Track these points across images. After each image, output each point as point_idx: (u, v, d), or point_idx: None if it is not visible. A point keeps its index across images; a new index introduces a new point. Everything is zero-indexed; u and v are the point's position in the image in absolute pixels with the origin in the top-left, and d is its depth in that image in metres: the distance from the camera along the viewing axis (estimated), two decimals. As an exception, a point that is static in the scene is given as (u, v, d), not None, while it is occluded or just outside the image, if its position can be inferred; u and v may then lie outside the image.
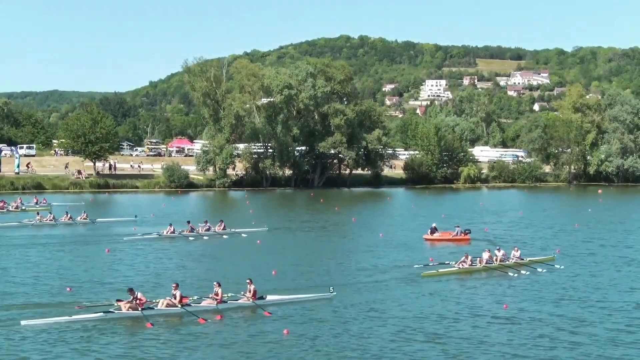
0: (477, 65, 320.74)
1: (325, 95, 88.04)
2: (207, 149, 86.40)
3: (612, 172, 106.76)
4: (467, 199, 76.55)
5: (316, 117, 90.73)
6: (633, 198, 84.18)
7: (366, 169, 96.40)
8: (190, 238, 38.17)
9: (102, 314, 20.38)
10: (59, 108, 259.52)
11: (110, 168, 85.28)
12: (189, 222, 39.75)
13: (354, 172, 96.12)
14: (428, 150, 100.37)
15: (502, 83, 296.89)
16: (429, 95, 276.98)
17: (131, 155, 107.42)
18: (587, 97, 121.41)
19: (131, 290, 21.19)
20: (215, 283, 22.35)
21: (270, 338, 19.08)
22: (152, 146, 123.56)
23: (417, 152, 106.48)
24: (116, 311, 20.60)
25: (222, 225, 40.14)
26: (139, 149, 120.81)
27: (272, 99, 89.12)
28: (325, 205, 62.75)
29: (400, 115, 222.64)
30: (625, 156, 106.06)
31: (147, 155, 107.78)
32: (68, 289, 24.52)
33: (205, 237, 38.38)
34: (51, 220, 44.14)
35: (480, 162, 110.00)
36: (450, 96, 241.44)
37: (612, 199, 79.35)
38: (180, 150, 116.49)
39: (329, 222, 48.92)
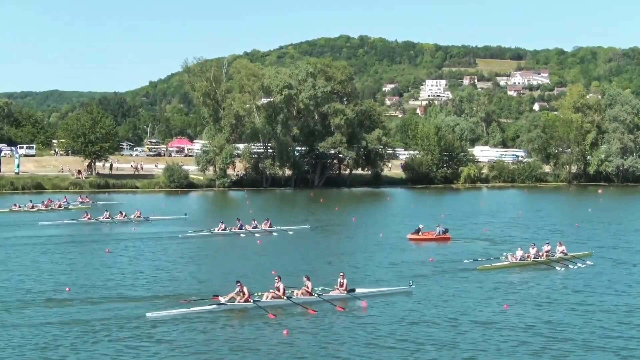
0: (477, 65, 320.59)
1: (325, 95, 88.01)
2: (207, 149, 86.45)
3: (612, 172, 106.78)
4: (467, 199, 76.56)
5: (316, 117, 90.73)
6: (633, 198, 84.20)
7: (366, 169, 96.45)
8: (242, 235, 39.70)
9: (215, 306, 21.51)
10: (59, 108, 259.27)
11: (137, 168, 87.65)
12: (238, 219, 41.32)
13: (354, 172, 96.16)
14: (428, 150, 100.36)
15: (502, 83, 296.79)
16: (429, 95, 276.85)
17: (131, 155, 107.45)
18: (587, 97, 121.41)
19: (239, 283, 22.18)
20: (305, 277, 23.35)
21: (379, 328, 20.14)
22: (152, 146, 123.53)
23: (417, 152, 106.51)
24: (228, 303, 21.69)
25: (269, 223, 41.70)
26: (139, 149, 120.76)
27: (272, 99, 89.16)
28: (326, 205, 62.75)
29: (400, 115, 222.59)
30: (625, 156, 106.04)
31: (147, 155, 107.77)
32: (67, 289, 24.47)
33: (257, 234, 39.99)
34: (107, 218, 45.68)
35: (480, 162, 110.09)
36: (450, 96, 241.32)
37: (613, 199, 79.34)
38: (180, 150, 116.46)
39: (331, 222, 48.85)
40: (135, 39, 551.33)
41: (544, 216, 55.30)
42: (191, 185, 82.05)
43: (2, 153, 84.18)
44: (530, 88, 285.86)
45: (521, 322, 20.91)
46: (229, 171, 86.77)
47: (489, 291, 25.36)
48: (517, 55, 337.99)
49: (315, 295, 22.89)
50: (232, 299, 21.88)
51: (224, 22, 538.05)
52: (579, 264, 30.74)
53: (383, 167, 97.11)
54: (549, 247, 31.97)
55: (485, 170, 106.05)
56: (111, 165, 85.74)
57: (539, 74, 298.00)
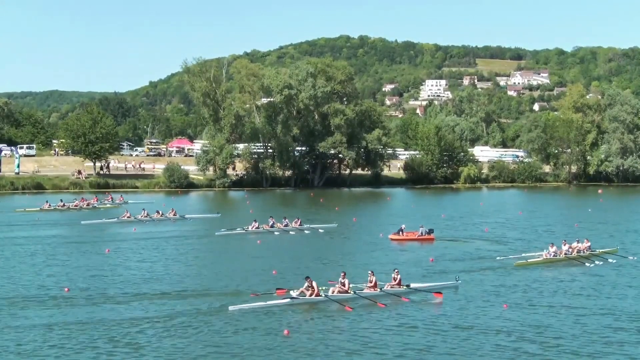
0: (477, 65, 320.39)
1: (325, 95, 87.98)
2: (207, 149, 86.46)
3: (612, 172, 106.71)
4: (467, 199, 76.57)
5: (316, 117, 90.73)
6: (633, 198, 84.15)
7: (366, 169, 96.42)
8: (276, 233, 41.10)
9: (289, 300, 22.65)
10: (59, 108, 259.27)
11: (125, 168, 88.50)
12: (271, 217, 42.79)
13: (354, 172, 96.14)
14: (428, 150, 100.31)
15: (502, 83, 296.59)
16: (429, 95, 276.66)
17: (131, 155, 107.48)
18: (587, 97, 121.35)
19: (308, 279, 23.30)
20: (370, 272, 24.72)
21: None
22: (152, 146, 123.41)
23: (417, 152, 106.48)
24: (300, 297, 22.85)
25: (299, 222, 43.17)
26: (139, 149, 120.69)
27: (272, 99, 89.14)
28: (326, 206, 62.74)
29: (400, 115, 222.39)
30: (625, 156, 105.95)
31: (147, 155, 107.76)
32: (66, 289, 24.61)
33: (292, 232, 41.44)
34: (145, 216, 47.41)
35: (480, 162, 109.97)
36: (450, 96, 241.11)
37: (613, 199, 79.34)
38: (180, 150, 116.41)
39: (331, 222, 48.73)
40: (135, 39, 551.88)
41: (543, 216, 55.25)
42: (191, 186, 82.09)
43: (2, 153, 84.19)
44: (530, 88, 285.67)
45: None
46: (229, 171, 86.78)
47: (544, 287, 26.40)
48: (517, 55, 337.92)
49: (379, 290, 24.07)
50: (302, 294, 22.99)
51: (224, 22, 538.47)
52: (610, 260, 32.08)
53: (383, 167, 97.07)
54: (579, 244, 33.18)
55: (485, 171, 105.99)
56: (107, 165, 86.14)
57: (539, 74, 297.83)
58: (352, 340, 19.01)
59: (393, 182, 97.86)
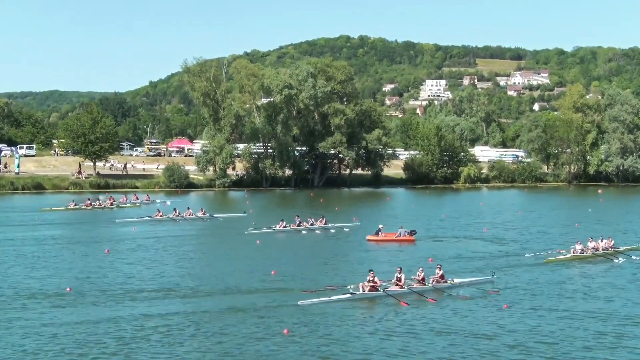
0: (477, 65, 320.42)
1: (325, 95, 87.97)
2: (207, 149, 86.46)
3: (612, 172, 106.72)
4: (467, 199, 76.54)
5: (316, 117, 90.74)
6: (633, 198, 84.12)
7: (366, 169, 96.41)
8: (304, 232, 41.79)
9: (349, 295, 23.41)
10: (59, 108, 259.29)
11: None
12: (298, 216, 43.73)
13: (354, 172, 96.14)
14: (428, 150, 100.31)
15: (502, 83, 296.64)
16: (429, 95, 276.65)
17: (131, 155, 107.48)
18: (587, 97, 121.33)
19: (372, 272, 24.15)
20: (419, 268, 25.70)
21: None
22: (152, 146, 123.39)
23: (417, 152, 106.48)
24: (357, 292, 23.55)
25: (324, 221, 43.74)
26: (139, 149, 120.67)
27: (272, 99, 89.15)
28: (325, 206, 62.69)
29: (400, 115, 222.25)
30: (625, 156, 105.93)
31: (147, 155, 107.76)
32: (68, 289, 24.68)
33: (317, 232, 42.04)
34: (177, 215, 48.47)
35: (480, 162, 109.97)
36: (450, 96, 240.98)
37: (613, 199, 79.31)
38: (180, 150, 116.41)
39: (332, 222, 48.75)
40: (135, 39, 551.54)
41: (543, 216, 55.19)
42: (191, 186, 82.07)
43: (2, 153, 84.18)
44: (530, 88, 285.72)
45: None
46: (229, 171, 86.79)
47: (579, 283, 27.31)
48: (517, 55, 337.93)
49: (430, 285, 24.98)
50: (362, 288, 23.73)
51: (224, 22, 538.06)
52: (634, 257, 33.07)
53: (383, 167, 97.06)
54: (605, 242, 34.32)
55: (485, 171, 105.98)
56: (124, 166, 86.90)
57: (539, 74, 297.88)
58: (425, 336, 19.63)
59: (393, 182, 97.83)
